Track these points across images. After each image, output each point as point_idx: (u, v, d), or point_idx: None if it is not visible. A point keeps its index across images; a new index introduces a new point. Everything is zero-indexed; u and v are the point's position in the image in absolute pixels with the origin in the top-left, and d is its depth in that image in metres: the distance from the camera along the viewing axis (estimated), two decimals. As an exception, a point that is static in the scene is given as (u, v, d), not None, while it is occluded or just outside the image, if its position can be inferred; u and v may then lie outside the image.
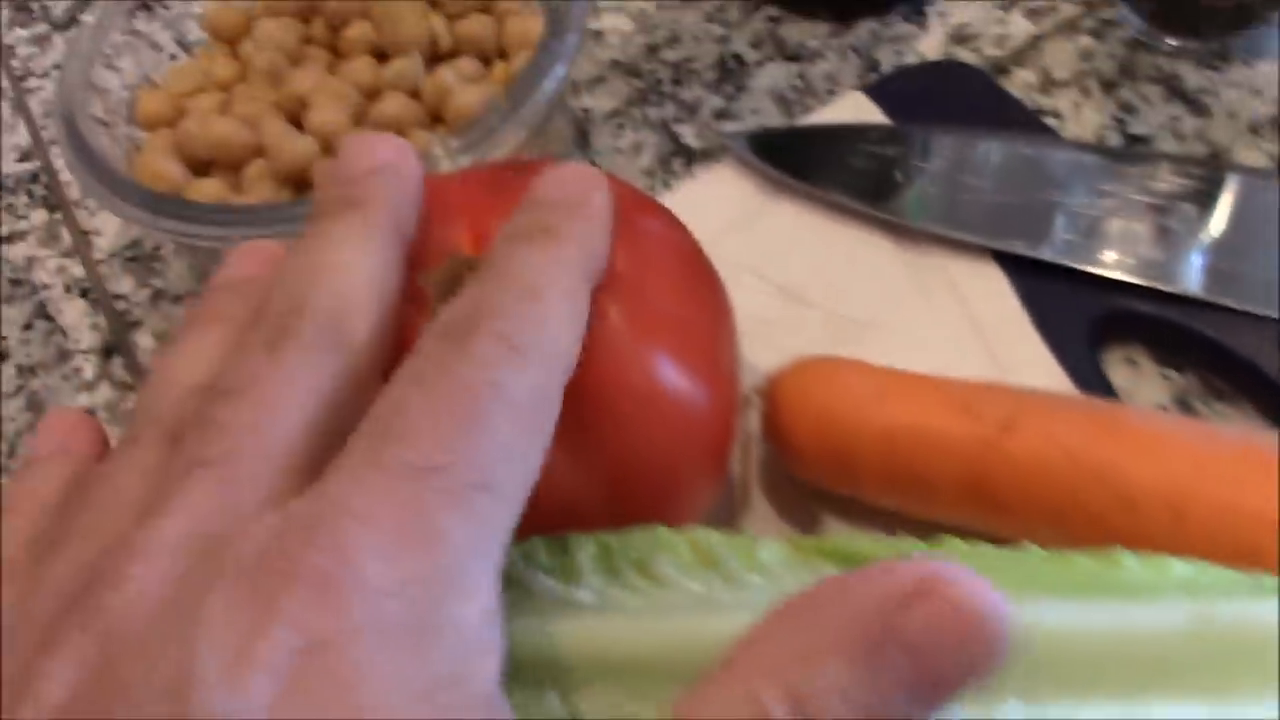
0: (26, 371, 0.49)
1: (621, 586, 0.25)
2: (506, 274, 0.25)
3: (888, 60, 0.51)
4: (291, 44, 0.47)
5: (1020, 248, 0.43)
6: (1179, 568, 0.26)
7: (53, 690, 0.19)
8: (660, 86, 0.52)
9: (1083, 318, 0.41)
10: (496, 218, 0.31)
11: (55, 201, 0.55)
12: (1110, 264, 0.41)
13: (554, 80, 0.42)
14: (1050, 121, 0.47)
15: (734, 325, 0.34)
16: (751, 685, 0.19)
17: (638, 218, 0.33)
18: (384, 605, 0.19)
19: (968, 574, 0.19)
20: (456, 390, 0.22)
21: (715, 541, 0.26)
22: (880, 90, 0.49)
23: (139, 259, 0.52)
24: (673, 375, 0.30)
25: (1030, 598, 0.25)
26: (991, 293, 0.42)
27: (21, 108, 0.59)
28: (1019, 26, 0.51)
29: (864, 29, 0.52)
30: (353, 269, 0.25)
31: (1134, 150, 0.46)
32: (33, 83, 0.61)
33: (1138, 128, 0.47)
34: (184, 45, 0.52)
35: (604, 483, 0.30)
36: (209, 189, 0.44)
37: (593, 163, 0.50)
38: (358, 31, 0.47)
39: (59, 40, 0.63)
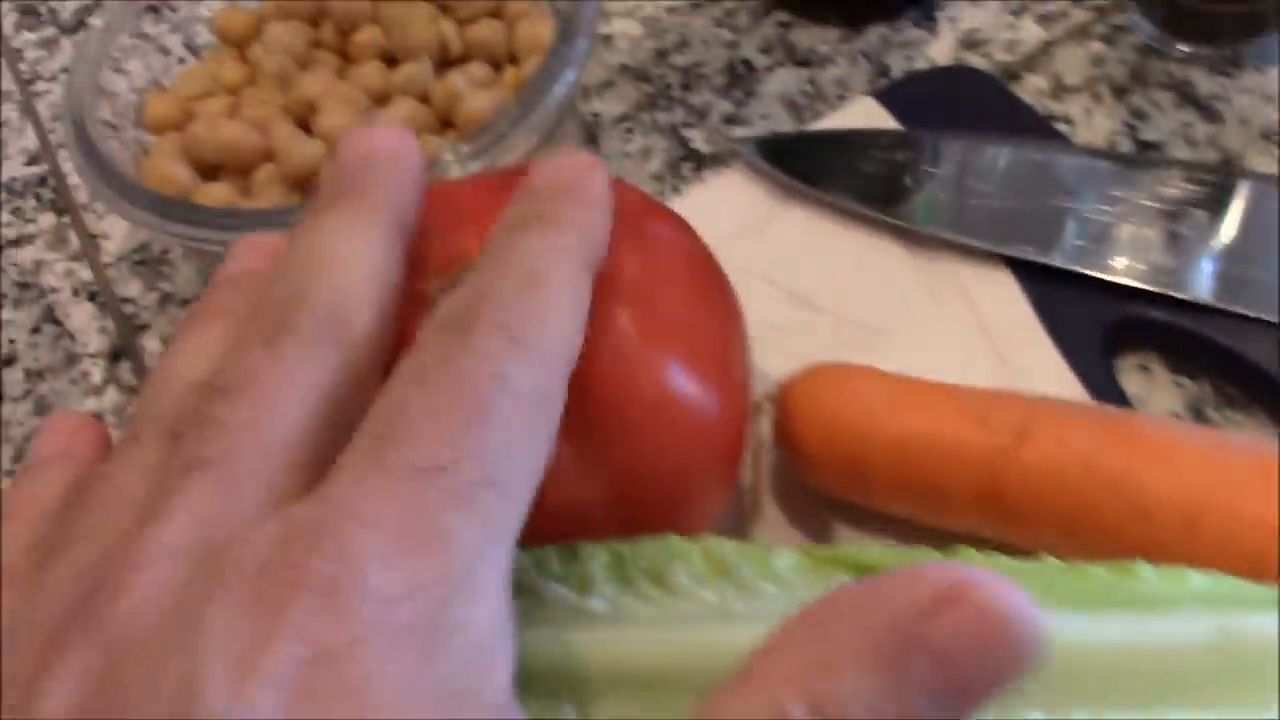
0: (34, 375, 0.49)
1: (635, 596, 0.25)
2: (506, 263, 0.24)
3: (898, 66, 0.51)
4: (300, 48, 0.47)
5: (1031, 253, 0.42)
6: (1197, 579, 0.26)
7: (55, 701, 0.19)
8: (669, 91, 0.52)
9: (1096, 324, 0.41)
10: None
11: (63, 205, 0.55)
12: (1120, 270, 0.41)
13: (565, 85, 0.42)
14: (1061, 127, 0.47)
15: (745, 331, 0.34)
16: (773, 692, 0.19)
17: (648, 223, 0.32)
18: (391, 612, 0.19)
19: (995, 578, 0.19)
20: (458, 385, 0.21)
21: (728, 550, 0.26)
22: (891, 95, 0.49)
23: (147, 262, 0.52)
24: (684, 382, 0.30)
25: (1048, 609, 0.24)
26: (1003, 299, 0.42)
27: (29, 111, 0.59)
28: (1030, 32, 0.51)
29: (874, 34, 0.52)
30: (351, 261, 0.25)
31: (1145, 156, 0.46)
32: (40, 86, 0.61)
33: (1149, 134, 0.47)
34: (192, 49, 0.52)
35: (615, 490, 0.30)
36: (218, 193, 0.44)
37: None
38: (367, 36, 0.47)
39: (67, 43, 0.62)
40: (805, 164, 0.47)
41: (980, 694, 0.19)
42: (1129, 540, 0.32)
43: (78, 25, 0.63)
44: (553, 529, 0.25)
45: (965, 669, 0.18)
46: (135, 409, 0.26)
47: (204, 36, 0.52)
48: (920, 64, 0.51)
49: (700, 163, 0.50)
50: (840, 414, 0.35)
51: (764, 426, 0.38)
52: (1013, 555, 0.27)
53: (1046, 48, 0.50)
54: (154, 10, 0.51)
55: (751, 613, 0.24)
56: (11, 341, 0.50)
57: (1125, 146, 0.47)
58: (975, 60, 0.51)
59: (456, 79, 0.45)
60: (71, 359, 0.49)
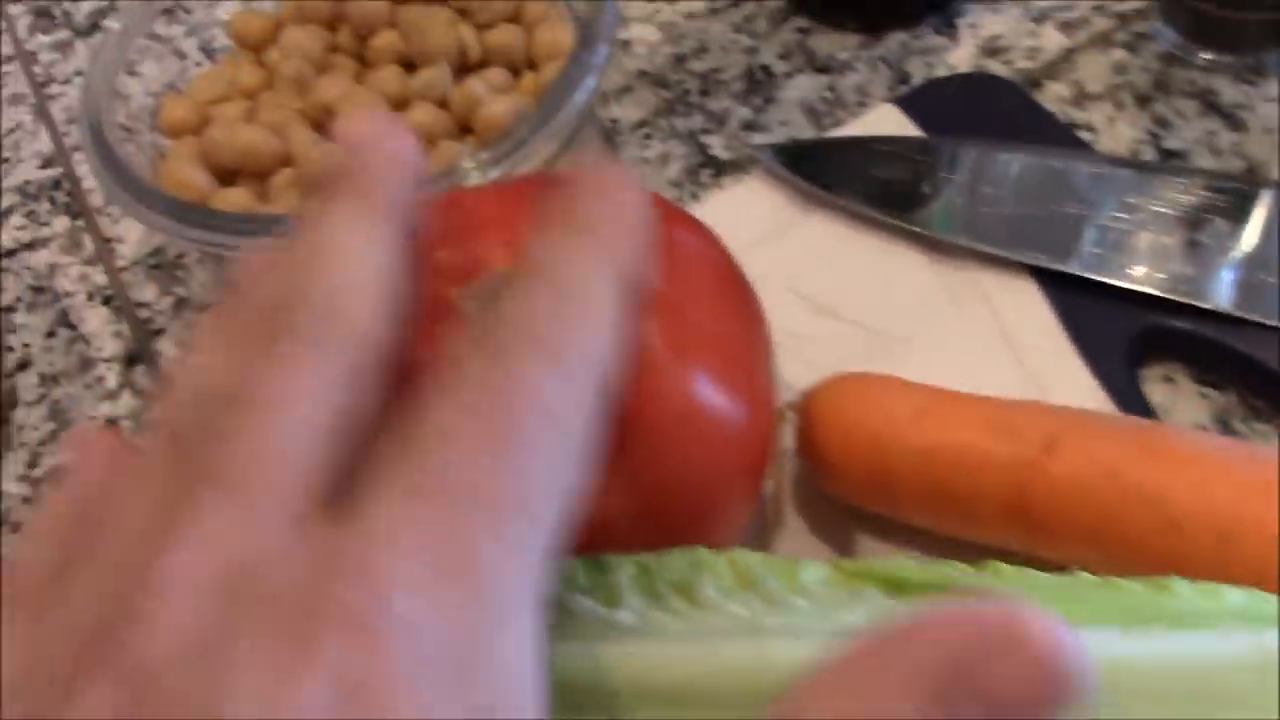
0: (49, 380, 0.49)
1: (663, 609, 0.25)
2: (543, 283, 0.23)
3: (918, 72, 0.51)
4: (318, 52, 0.47)
5: (1051, 261, 0.42)
6: (1232, 595, 0.25)
7: None
8: (688, 97, 0.52)
9: (1120, 334, 0.40)
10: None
11: (78, 209, 0.55)
12: (1141, 278, 0.41)
13: (585, 92, 0.42)
14: (1084, 135, 0.47)
15: (770, 340, 0.33)
16: None
17: (672, 231, 0.32)
18: (423, 644, 0.18)
19: (1046, 619, 0.18)
20: (493, 407, 0.21)
21: (756, 563, 0.26)
22: (912, 102, 0.49)
23: (162, 267, 0.51)
24: (710, 392, 0.30)
25: (1082, 626, 0.24)
26: (1026, 307, 0.42)
27: (44, 114, 0.59)
28: (1051, 39, 0.51)
29: (894, 41, 0.52)
30: (347, 252, 0.24)
31: (1166, 164, 0.46)
32: (55, 89, 0.60)
33: (1173, 142, 0.46)
34: (208, 52, 0.51)
35: (641, 501, 0.29)
36: (235, 198, 0.44)
37: (620, 174, 0.49)
38: (385, 40, 0.47)
39: (81, 46, 0.62)
40: (825, 171, 0.46)
41: None
42: (1157, 553, 0.32)
43: (92, 28, 0.63)
44: (578, 540, 0.24)
45: (1011, 712, 0.18)
46: (148, 422, 0.25)
47: (219, 40, 0.51)
48: (940, 71, 0.51)
49: (719, 169, 0.49)
50: (864, 424, 0.35)
51: (786, 435, 0.38)
52: (1041, 568, 0.26)
53: (1068, 55, 0.50)
54: (169, 13, 0.50)
55: (782, 627, 0.24)
56: (26, 346, 0.50)
57: (1148, 155, 0.46)
58: (996, 67, 0.50)
59: (475, 84, 0.45)
60: (86, 364, 0.49)
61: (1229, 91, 0.47)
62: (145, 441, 0.24)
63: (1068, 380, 0.40)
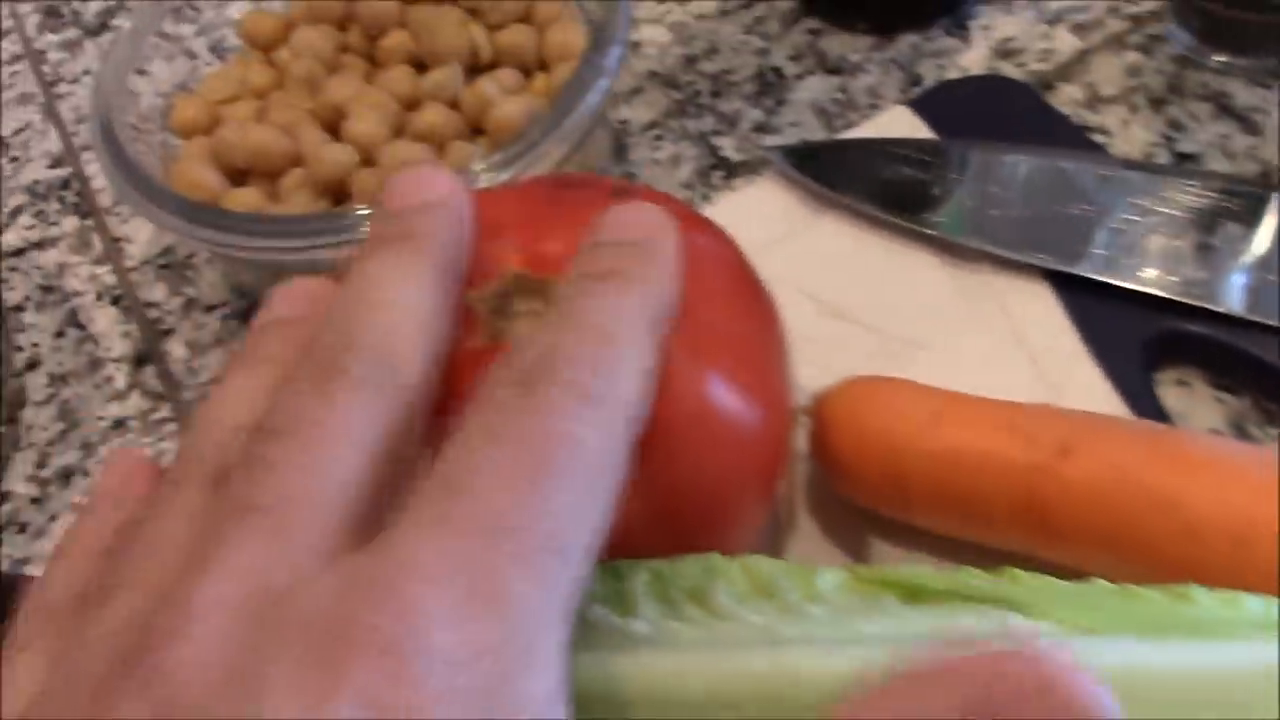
0: (58, 380, 0.49)
1: (678, 618, 0.25)
2: (577, 320, 0.24)
3: (930, 74, 0.51)
4: (329, 52, 0.47)
5: (1063, 264, 0.42)
6: (1251, 604, 0.25)
7: None
8: (699, 98, 0.52)
9: (1134, 337, 0.40)
10: (547, 235, 0.31)
11: (87, 208, 0.55)
12: (1152, 281, 0.41)
13: (598, 94, 0.41)
14: (1098, 138, 0.47)
15: (786, 343, 0.33)
16: None
17: (688, 233, 0.32)
18: (453, 677, 0.18)
19: (1076, 670, 0.19)
20: (527, 443, 0.21)
21: (771, 569, 0.26)
22: (923, 104, 0.48)
23: (171, 267, 0.51)
24: (726, 395, 0.30)
25: (1101, 635, 0.24)
26: (1040, 310, 0.41)
27: (52, 113, 0.59)
28: (1064, 41, 0.50)
29: (905, 43, 0.52)
30: (400, 304, 0.25)
31: (1178, 167, 0.45)
32: (63, 88, 0.60)
33: (1187, 145, 0.46)
34: (218, 52, 0.51)
35: (653, 503, 0.29)
36: (246, 198, 0.44)
37: (630, 175, 0.49)
38: (395, 41, 0.47)
39: (90, 45, 0.62)
40: (836, 172, 0.46)
41: None
42: (1172, 558, 0.32)
43: (101, 27, 0.63)
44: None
45: None
46: (176, 453, 0.25)
47: (229, 40, 0.51)
48: (953, 73, 0.50)
49: (730, 171, 0.49)
50: (878, 427, 0.35)
51: (799, 438, 0.37)
52: (1054, 573, 0.26)
53: (1082, 57, 0.50)
54: (177, 13, 0.50)
55: (801, 636, 0.24)
56: (35, 345, 0.50)
57: (1162, 158, 0.46)
58: (1009, 69, 0.50)
59: (486, 85, 0.45)
60: (95, 364, 0.49)
61: (1243, 95, 0.47)
62: (179, 469, 0.24)
63: (1081, 383, 0.39)
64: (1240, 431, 0.39)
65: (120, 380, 0.48)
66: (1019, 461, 0.33)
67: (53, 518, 0.44)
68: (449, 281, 0.26)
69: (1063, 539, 0.33)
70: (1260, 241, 0.41)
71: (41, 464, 0.46)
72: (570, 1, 0.48)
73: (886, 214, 0.44)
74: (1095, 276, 0.41)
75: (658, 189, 0.36)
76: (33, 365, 0.49)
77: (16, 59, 0.62)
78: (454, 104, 0.45)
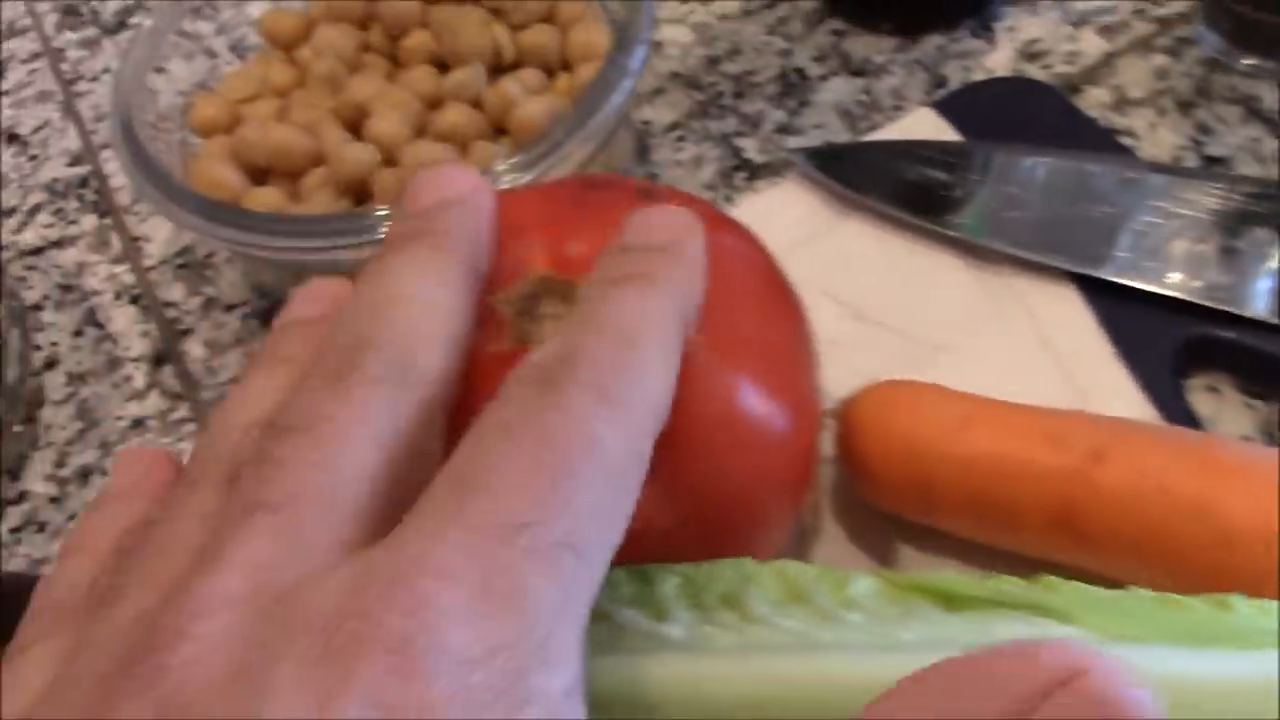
0: (76, 379, 0.48)
1: (711, 623, 0.24)
2: (600, 321, 0.23)
3: (955, 76, 0.50)
4: (350, 51, 0.47)
5: (1088, 267, 0.41)
6: (1292, 612, 0.25)
7: None
8: (721, 99, 0.51)
9: (1164, 342, 0.40)
10: (571, 235, 0.30)
11: (106, 207, 0.54)
12: (1177, 285, 0.40)
13: (622, 94, 0.41)
14: (1125, 141, 0.46)
15: (814, 346, 0.33)
16: None
17: (716, 234, 0.32)
18: (467, 676, 0.18)
19: (1111, 663, 0.18)
20: (547, 442, 0.21)
21: (804, 575, 0.25)
22: (948, 106, 0.48)
23: (190, 266, 0.51)
24: (755, 399, 0.29)
25: (1142, 644, 0.23)
26: (1067, 314, 0.41)
27: (71, 111, 0.59)
28: (1091, 44, 0.50)
29: (930, 44, 0.51)
30: (421, 303, 0.24)
31: (1204, 170, 0.45)
32: (82, 86, 0.60)
33: (1215, 149, 0.46)
34: (238, 51, 0.51)
35: (684, 509, 0.29)
36: (267, 198, 0.43)
37: (652, 176, 0.49)
38: (417, 40, 0.46)
39: (109, 44, 0.62)
40: (860, 174, 0.46)
41: None
42: (1208, 567, 0.31)
43: (119, 25, 0.63)
44: (621, 549, 0.24)
45: None
46: (192, 452, 0.25)
47: (250, 39, 0.51)
48: (978, 75, 0.50)
49: (753, 172, 0.49)
50: (907, 432, 0.35)
51: (825, 442, 0.37)
52: (1085, 579, 0.26)
53: (1108, 60, 0.49)
54: (197, 12, 0.50)
55: (837, 642, 0.24)
56: (54, 344, 0.50)
57: (1191, 161, 0.46)
58: (1035, 72, 0.50)
59: (509, 85, 0.45)
60: (114, 363, 0.49)
61: (1272, 97, 0.47)
62: (195, 469, 0.24)
63: (1109, 388, 0.39)
64: (1271, 438, 0.39)
65: (139, 380, 0.48)
66: (1051, 468, 0.33)
67: (71, 517, 0.44)
68: (469, 278, 0.26)
69: (1094, 545, 0.33)
70: (1287, 247, 0.41)
71: (60, 463, 0.46)
72: (593, 1, 0.47)
73: (911, 216, 0.44)
74: (1120, 280, 0.41)
75: (680, 190, 0.36)
76: (51, 364, 0.49)
77: (35, 57, 0.62)
78: (477, 104, 0.45)
